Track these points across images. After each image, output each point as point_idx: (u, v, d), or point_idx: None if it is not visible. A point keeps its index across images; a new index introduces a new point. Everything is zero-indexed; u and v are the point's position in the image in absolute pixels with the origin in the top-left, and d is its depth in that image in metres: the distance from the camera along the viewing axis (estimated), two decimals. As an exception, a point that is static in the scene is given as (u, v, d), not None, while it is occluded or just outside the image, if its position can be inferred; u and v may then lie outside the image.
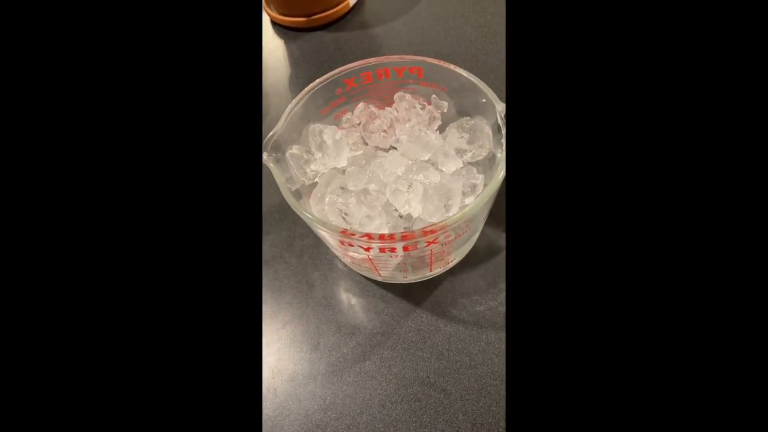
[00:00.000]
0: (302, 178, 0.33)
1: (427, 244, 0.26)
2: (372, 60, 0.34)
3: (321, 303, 0.36)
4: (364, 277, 0.36)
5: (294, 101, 0.32)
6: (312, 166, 0.33)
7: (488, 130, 0.31)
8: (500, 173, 0.26)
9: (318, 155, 0.33)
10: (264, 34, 0.58)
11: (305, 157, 0.33)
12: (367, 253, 0.28)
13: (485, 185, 0.31)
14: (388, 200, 0.30)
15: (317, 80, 0.33)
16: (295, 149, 0.32)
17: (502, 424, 0.29)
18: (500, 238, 0.36)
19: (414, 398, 0.31)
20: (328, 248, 0.38)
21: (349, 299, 0.36)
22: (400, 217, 0.31)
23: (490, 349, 0.32)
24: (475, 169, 0.32)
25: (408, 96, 0.35)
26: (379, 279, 0.35)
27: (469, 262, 0.35)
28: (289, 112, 0.31)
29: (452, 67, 0.32)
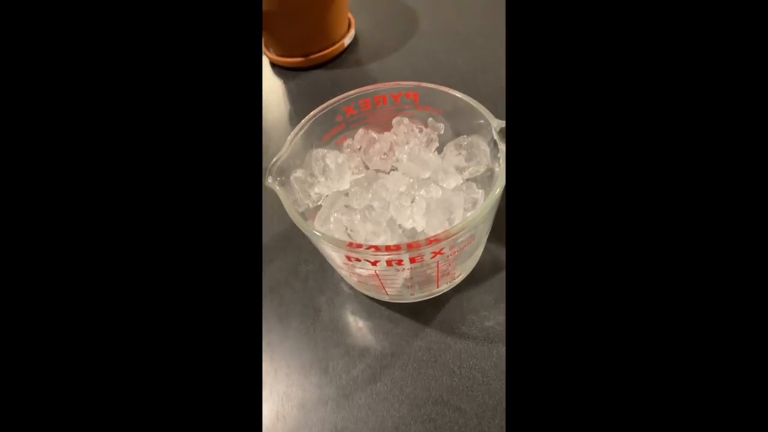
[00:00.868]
0: (306, 201, 0.34)
1: (433, 255, 0.27)
2: (370, 87, 0.35)
3: (328, 327, 0.35)
4: (370, 298, 0.36)
5: (297, 128, 0.33)
6: (316, 189, 0.34)
7: (485, 146, 0.32)
8: (499, 185, 0.27)
9: (321, 179, 0.34)
10: (263, 76, 0.61)
11: (309, 180, 0.34)
12: (374, 267, 0.28)
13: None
14: (392, 217, 0.31)
15: (318, 108, 0.34)
16: (299, 173, 0.33)
17: (521, 440, 0.28)
18: (504, 254, 0.37)
19: (428, 418, 0.30)
20: (333, 272, 0.38)
21: (356, 322, 0.35)
22: (404, 233, 0.31)
23: (502, 363, 0.31)
24: (474, 185, 0.33)
25: (406, 120, 0.36)
26: (386, 299, 0.35)
27: (475, 278, 0.36)
28: (293, 139, 0.33)
29: (447, 89, 0.34)
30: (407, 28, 0.63)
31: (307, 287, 0.38)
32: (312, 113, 0.34)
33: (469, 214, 0.30)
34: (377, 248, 0.25)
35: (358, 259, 0.27)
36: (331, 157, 0.34)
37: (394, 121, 0.36)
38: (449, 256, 0.28)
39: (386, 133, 0.37)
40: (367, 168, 0.37)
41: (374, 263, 0.27)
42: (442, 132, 0.36)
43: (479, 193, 0.32)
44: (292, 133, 0.33)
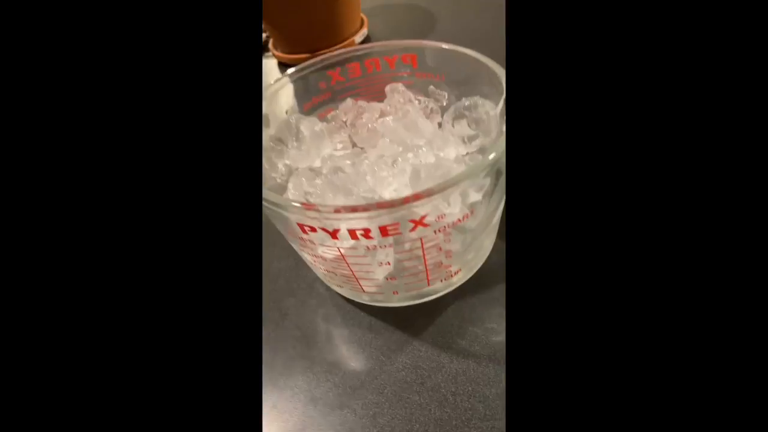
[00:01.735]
0: (273, 174, 0.28)
1: (413, 225, 0.20)
2: (361, 47, 0.30)
3: (293, 335, 0.28)
4: (348, 301, 0.29)
5: (272, 83, 0.28)
6: (285, 160, 0.28)
7: (493, 111, 0.26)
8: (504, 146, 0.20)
9: (293, 148, 0.28)
10: (271, 74, 0.57)
11: (277, 148, 0.28)
12: (337, 243, 0.21)
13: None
14: (370, 187, 0.24)
15: (297, 67, 0.29)
16: (266, 140, 0.27)
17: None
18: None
19: (405, 463, 0.22)
20: (308, 270, 0.31)
21: (328, 330, 0.28)
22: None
23: (513, 392, 0.23)
24: (480, 158, 0.26)
25: (401, 86, 0.30)
26: (365, 299, 0.28)
27: (481, 281, 0.28)
28: (265, 92, 0.27)
29: (453, 46, 0.28)
30: (423, 30, 0.59)
31: (276, 287, 0.31)
32: (289, 71, 0.29)
33: (472, 199, 0.23)
34: (336, 209, 0.19)
35: (313, 229, 0.20)
36: (306, 124, 0.28)
37: (387, 88, 0.30)
38: (438, 234, 0.21)
39: (376, 103, 0.31)
40: (354, 145, 0.31)
41: (334, 234, 0.20)
42: (444, 102, 0.30)
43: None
44: (268, 86, 0.28)
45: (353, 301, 0.29)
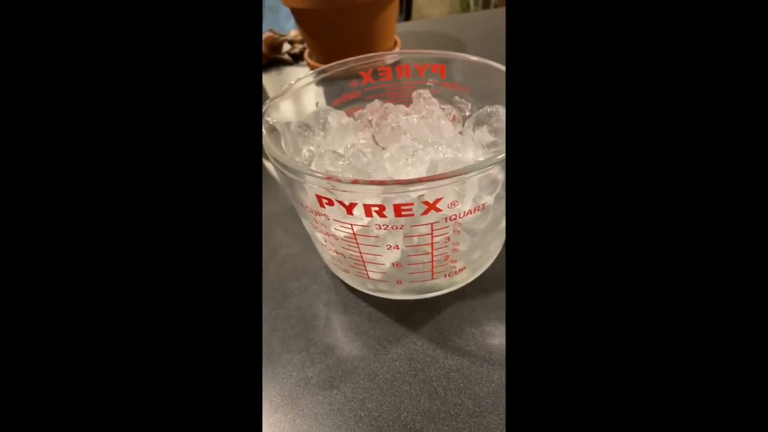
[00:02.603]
0: (296, 158, 0.29)
1: (427, 208, 0.20)
2: (392, 53, 0.32)
3: (293, 315, 0.28)
4: (351, 290, 0.29)
5: (302, 76, 0.29)
6: (310, 146, 0.29)
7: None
8: None
9: (319, 136, 0.29)
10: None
11: (305, 134, 0.29)
12: (351, 219, 0.22)
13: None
14: (388, 174, 0.25)
15: (333, 63, 0.31)
16: (295, 124, 0.29)
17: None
18: (525, 265, 0.29)
19: (389, 447, 0.21)
20: (315, 256, 0.32)
21: (328, 315, 0.28)
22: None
23: (503, 392, 0.23)
24: (498, 166, 0.27)
25: (427, 93, 0.31)
26: (369, 289, 0.28)
27: (484, 285, 0.28)
28: (294, 84, 0.29)
29: (480, 59, 0.29)
30: (453, 56, 0.61)
31: (283, 270, 0.32)
32: (324, 66, 0.31)
33: (486, 200, 0.24)
34: (355, 181, 0.19)
35: (330, 202, 0.21)
36: (334, 115, 0.30)
37: (414, 93, 0.32)
38: (448, 222, 0.22)
39: (402, 106, 0.32)
40: (377, 144, 0.32)
41: (350, 208, 0.21)
42: (467, 112, 0.31)
43: (502, 175, 0.26)
44: (297, 80, 0.29)
45: (356, 290, 0.29)
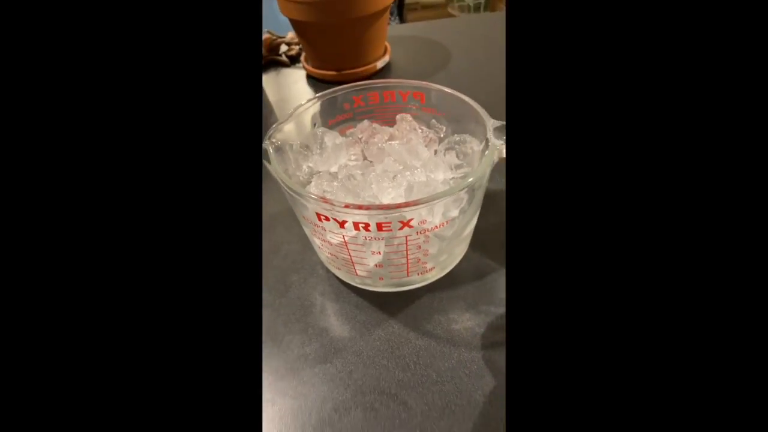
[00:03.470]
0: (297, 173, 0.34)
1: (401, 225, 0.26)
2: (381, 81, 0.37)
3: (294, 303, 0.35)
4: (341, 282, 0.35)
5: (303, 102, 0.35)
6: (309, 163, 0.35)
7: (477, 147, 0.33)
8: (478, 172, 0.27)
9: (316, 154, 0.35)
10: (299, 84, 0.65)
11: (304, 153, 0.34)
12: (343, 231, 0.28)
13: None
14: (373, 193, 0.31)
15: (328, 90, 0.36)
16: (296, 144, 0.34)
17: (462, 446, 0.26)
18: (485, 264, 0.35)
19: (370, 407, 0.28)
20: (312, 253, 0.38)
21: (323, 303, 0.34)
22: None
23: (461, 367, 0.29)
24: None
25: (409, 117, 0.37)
26: (357, 282, 0.34)
27: (451, 282, 0.34)
28: (296, 110, 0.34)
29: (453, 91, 0.35)
30: (438, 63, 0.66)
31: (284, 265, 0.38)
32: (321, 93, 0.36)
33: (452, 213, 0.30)
34: (348, 205, 0.25)
35: (327, 218, 0.27)
36: (330, 136, 0.35)
37: (398, 116, 0.37)
38: (419, 235, 0.28)
39: (388, 127, 0.38)
40: (365, 158, 0.38)
41: (342, 224, 0.27)
42: (442, 135, 0.37)
43: (465, 195, 0.32)
44: (298, 106, 0.34)
45: (346, 283, 0.35)
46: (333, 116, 0.38)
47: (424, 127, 0.37)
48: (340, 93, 0.37)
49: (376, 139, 0.37)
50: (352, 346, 0.31)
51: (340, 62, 0.62)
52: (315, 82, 0.64)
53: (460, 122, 0.35)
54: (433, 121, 0.37)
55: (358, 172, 0.31)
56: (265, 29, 0.72)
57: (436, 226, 0.28)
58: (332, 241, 0.30)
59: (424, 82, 0.36)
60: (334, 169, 0.35)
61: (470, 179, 0.26)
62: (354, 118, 0.38)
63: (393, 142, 0.34)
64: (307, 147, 0.35)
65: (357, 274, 0.32)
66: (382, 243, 0.29)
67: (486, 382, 0.28)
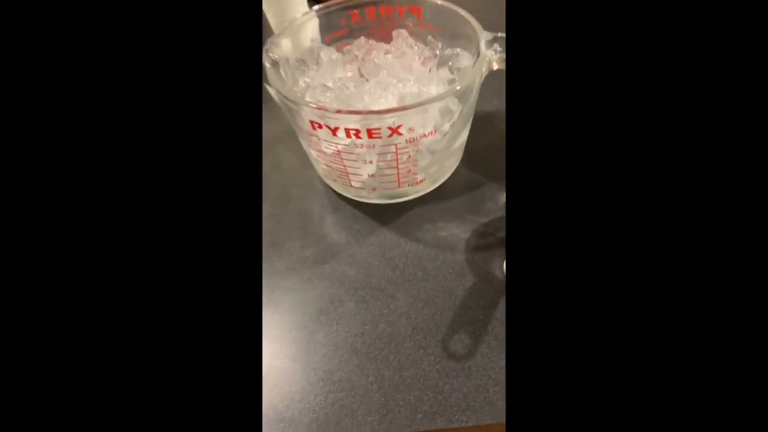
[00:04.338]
0: (294, 88, 0.35)
1: (390, 132, 0.28)
2: (377, -7, 0.37)
3: (294, 213, 0.37)
4: (338, 195, 0.38)
5: (300, 16, 0.35)
6: (306, 78, 0.36)
7: (469, 61, 0.33)
8: (468, 79, 0.28)
9: (313, 69, 0.36)
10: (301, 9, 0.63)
11: (301, 68, 0.35)
12: (335, 140, 0.29)
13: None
14: (365, 104, 0.32)
15: (324, 4, 0.36)
16: (293, 60, 0.35)
17: (443, 330, 0.29)
18: (474, 179, 0.37)
19: (362, 299, 0.31)
20: (311, 169, 0.40)
21: (321, 213, 0.37)
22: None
23: (445, 267, 0.32)
24: (456, 100, 0.34)
25: (405, 32, 0.37)
26: (352, 194, 0.36)
27: (441, 194, 0.37)
28: (292, 24, 0.34)
29: (445, 3, 0.35)
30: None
31: (285, 179, 0.40)
32: (317, 6, 0.36)
33: (444, 126, 0.31)
34: (338, 110, 0.27)
35: (320, 126, 0.28)
36: (326, 51, 0.36)
37: (394, 32, 0.38)
38: (409, 144, 0.29)
39: (384, 44, 0.38)
40: (361, 75, 0.38)
41: (334, 131, 0.28)
42: (438, 51, 0.37)
43: (456, 104, 0.33)
44: (294, 20, 0.35)
45: (342, 196, 0.37)
46: (330, 32, 0.38)
47: (420, 44, 0.38)
48: (336, 7, 0.37)
49: (372, 56, 0.37)
50: (347, 251, 0.34)
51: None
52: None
53: (455, 38, 0.36)
54: (430, 37, 0.38)
55: (351, 84, 0.32)
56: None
57: (425, 135, 0.29)
58: (326, 151, 0.31)
59: (420, -5, 0.36)
60: (330, 84, 0.36)
61: (458, 87, 0.28)
62: (351, 35, 0.39)
63: (387, 55, 0.35)
64: (303, 62, 0.35)
65: (352, 186, 0.35)
66: (374, 152, 0.30)
67: (467, 280, 0.31)
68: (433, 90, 0.33)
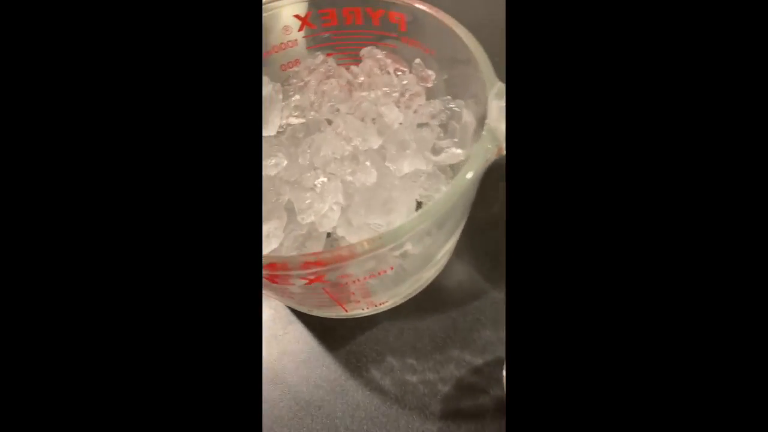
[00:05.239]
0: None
1: (307, 281, 0.16)
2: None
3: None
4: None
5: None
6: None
7: (471, 120, 0.20)
8: (469, 166, 0.15)
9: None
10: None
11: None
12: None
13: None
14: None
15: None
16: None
17: None
18: (469, 279, 0.25)
19: None
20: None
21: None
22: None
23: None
24: (443, 177, 0.21)
25: (379, 53, 0.24)
26: (291, 304, 0.25)
27: (419, 305, 0.25)
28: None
29: (446, 18, 0.21)
30: None
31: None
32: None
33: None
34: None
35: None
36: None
37: (363, 51, 0.24)
38: (346, 284, 0.18)
39: (352, 67, 0.25)
40: (315, 112, 0.26)
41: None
42: (430, 83, 0.24)
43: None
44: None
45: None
46: (267, 45, 0.25)
47: (404, 69, 0.24)
48: (277, 7, 0.24)
49: (326, 88, 0.24)
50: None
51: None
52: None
53: (456, 69, 0.22)
54: (418, 61, 0.24)
55: (284, 161, 0.20)
56: None
57: (379, 272, 0.17)
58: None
59: (405, -2, 0.22)
60: (270, 130, 0.24)
61: (434, 210, 0.15)
62: (300, 48, 0.26)
63: (342, 110, 0.22)
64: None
65: (292, 297, 0.23)
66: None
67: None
68: (405, 167, 0.20)
